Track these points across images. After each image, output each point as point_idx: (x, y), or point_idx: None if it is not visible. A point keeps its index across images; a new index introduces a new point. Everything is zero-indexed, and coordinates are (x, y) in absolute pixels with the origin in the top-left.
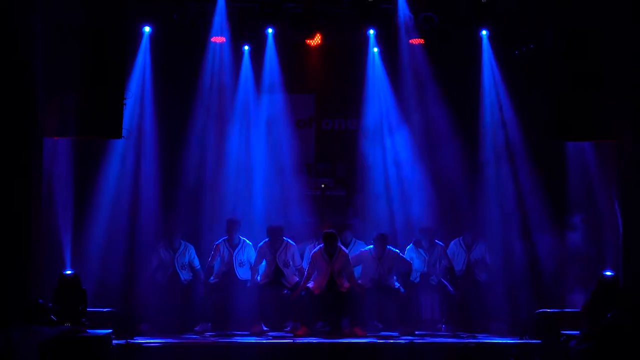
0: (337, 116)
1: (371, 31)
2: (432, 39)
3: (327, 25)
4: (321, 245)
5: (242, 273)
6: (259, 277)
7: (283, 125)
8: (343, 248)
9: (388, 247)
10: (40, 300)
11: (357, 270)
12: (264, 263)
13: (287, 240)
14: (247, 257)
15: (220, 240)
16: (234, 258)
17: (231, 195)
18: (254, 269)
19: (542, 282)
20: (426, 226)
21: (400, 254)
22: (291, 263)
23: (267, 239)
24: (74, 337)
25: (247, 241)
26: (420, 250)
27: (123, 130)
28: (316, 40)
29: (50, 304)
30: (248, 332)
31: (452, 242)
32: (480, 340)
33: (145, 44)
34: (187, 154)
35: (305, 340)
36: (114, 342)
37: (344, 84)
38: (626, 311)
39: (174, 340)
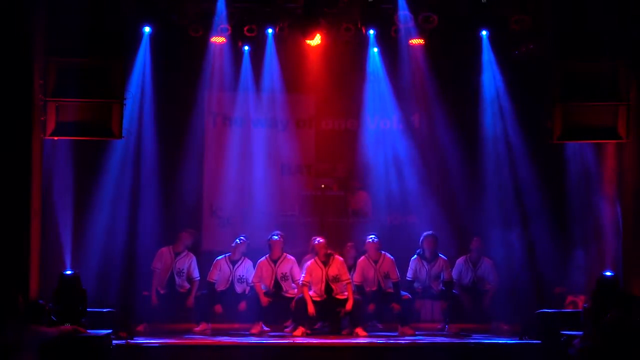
0: (337, 116)
1: (371, 31)
2: (432, 39)
3: (327, 25)
4: (314, 257)
5: (241, 289)
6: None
7: (283, 125)
8: (337, 256)
9: (383, 252)
10: (40, 300)
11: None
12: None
13: (286, 254)
14: (247, 273)
15: (221, 257)
16: (233, 274)
17: (231, 195)
18: (254, 284)
19: (542, 282)
20: (430, 233)
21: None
22: (289, 276)
23: (267, 255)
24: (74, 337)
25: (247, 259)
26: (424, 262)
27: (123, 130)
28: (316, 40)
29: (50, 304)
30: (248, 332)
31: (458, 261)
32: (480, 340)
33: (145, 44)
34: (186, 154)
35: (305, 340)
36: (114, 342)
37: (344, 84)
38: (626, 311)
39: (174, 340)
